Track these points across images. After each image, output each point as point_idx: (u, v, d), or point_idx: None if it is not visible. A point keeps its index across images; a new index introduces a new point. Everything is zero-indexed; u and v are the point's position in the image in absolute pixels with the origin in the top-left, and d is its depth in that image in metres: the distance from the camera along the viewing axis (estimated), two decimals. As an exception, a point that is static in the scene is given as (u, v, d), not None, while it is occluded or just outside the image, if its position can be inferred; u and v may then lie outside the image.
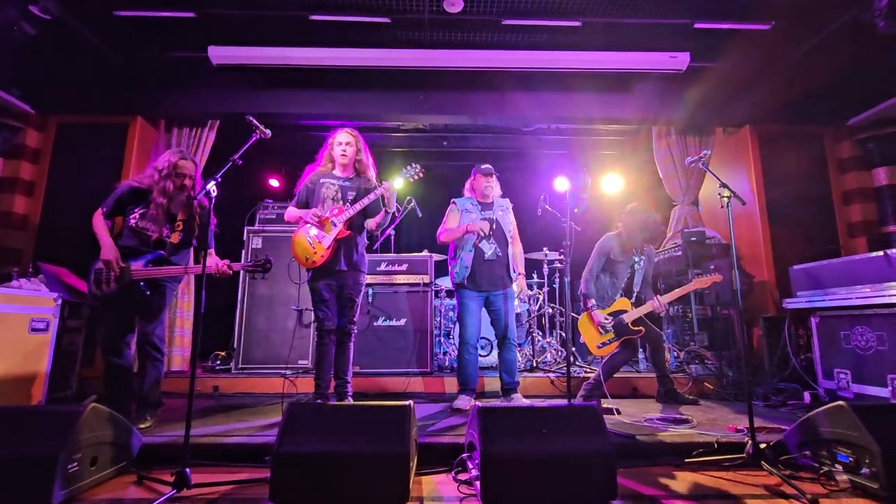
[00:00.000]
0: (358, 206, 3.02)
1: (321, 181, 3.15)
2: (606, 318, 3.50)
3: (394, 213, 3.30)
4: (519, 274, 3.61)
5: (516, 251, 3.64)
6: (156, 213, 2.85)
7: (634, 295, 3.61)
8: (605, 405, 3.29)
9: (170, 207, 2.91)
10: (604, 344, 3.51)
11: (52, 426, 1.90)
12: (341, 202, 3.10)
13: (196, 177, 3.02)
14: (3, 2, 3.38)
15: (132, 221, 2.86)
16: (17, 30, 3.42)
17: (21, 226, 4.34)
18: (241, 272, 4.40)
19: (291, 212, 3.16)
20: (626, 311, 3.52)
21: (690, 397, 3.65)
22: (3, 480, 1.78)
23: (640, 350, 4.39)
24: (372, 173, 3.26)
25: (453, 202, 3.65)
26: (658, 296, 3.51)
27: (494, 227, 3.45)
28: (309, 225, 3.02)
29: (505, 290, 3.49)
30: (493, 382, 3.95)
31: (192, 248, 3.13)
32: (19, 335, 3.02)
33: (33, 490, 1.77)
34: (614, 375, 3.57)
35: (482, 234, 3.36)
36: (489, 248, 3.44)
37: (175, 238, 2.93)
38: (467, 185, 3.71)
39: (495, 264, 3.46)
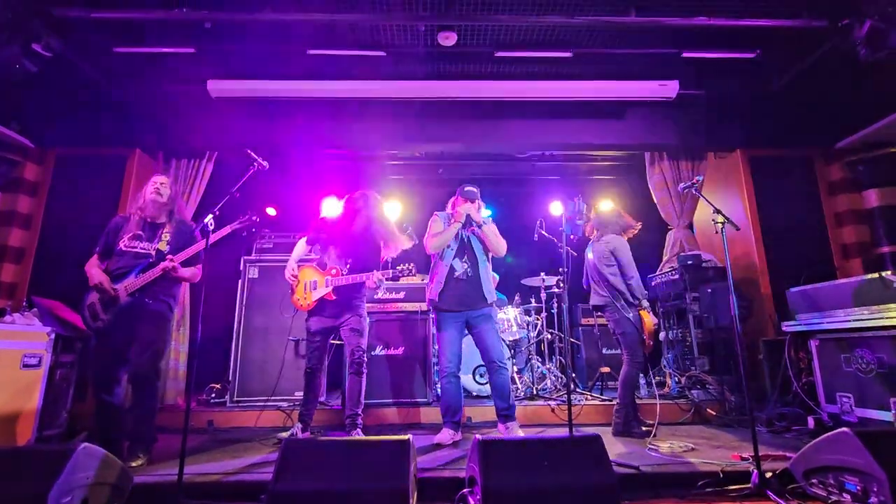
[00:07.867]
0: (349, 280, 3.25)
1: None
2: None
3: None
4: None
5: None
6: (136, 221, 2.97)
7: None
8: (644, 428, 3.37)
9: (147, 216, 2.99)
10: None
11: (41, 466, 1.84)
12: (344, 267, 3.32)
13: (173, 188, 3.12)
14: (6, 39, 3.41)
15: (121, 244, 2.91)
16: (19, 67, 3.46)
17: (16, 259, 4.32)
18: (238, 307, 4.38)
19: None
20: None
21: (643, 429, 3.38)
22: (-12, 526, 1.73)
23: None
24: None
25: (436, 214, 3.60)
26: None
27: (467, 240, 3.45)
28: (312, 268, 3.36)
29: (481, 310, 3.35)
30: (489, 412, 3.80)
31: (182, 284, 3.19)
32: (11, 371, 2.97)
33: (20, 535, 1.71)
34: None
35: (466, 218, 3.38)
36: (460, 267, 3.38)
37: (164, 245, 2.95)
38: (450, 203, 3.65)
39: (464, 284, 3.35)
